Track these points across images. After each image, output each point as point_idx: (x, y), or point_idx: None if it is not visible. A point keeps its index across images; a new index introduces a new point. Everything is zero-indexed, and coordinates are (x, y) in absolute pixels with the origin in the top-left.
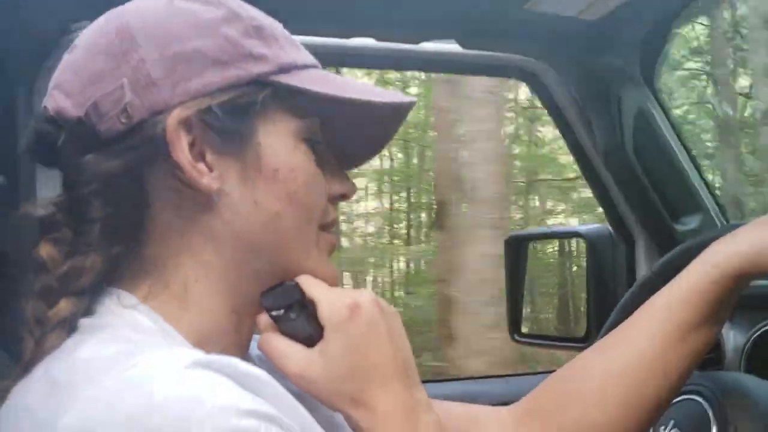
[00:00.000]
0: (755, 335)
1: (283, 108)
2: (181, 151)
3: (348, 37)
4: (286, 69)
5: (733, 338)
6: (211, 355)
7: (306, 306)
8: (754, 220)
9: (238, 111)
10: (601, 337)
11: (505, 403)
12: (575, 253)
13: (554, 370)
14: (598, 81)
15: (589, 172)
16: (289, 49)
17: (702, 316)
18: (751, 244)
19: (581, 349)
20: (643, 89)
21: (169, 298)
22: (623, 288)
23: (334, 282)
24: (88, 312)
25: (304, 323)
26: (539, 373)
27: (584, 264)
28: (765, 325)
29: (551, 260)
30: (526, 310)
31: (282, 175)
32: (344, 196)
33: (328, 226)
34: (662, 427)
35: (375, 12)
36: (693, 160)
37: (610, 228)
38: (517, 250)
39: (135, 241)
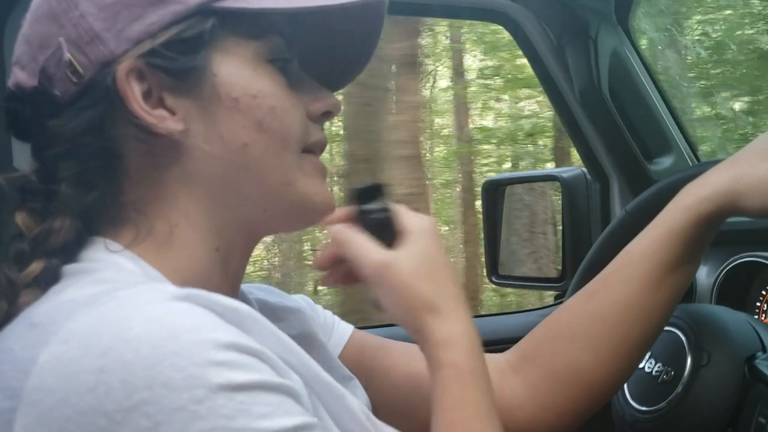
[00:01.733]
0: (725, 270)
1: (236, 33)
2: (135, 100)
3: None
4: None
5: (704, 272)
6: (192, 289)
7: (389, 210)
8: (726, 159)
9: (185, 47)
10: (578, 276)
11: (497, 342)
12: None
13: (538, 309)
14: (574, 23)
15: (565, 115)
16: None
17: (680, 257)
18: (723, 185)
19: (558, 288)
20: (617, 30)
21: (151, 243)
22: (598, 228)
23: (331, 207)
24: (73, 260)
25: (390, 223)
26: (526, 311)
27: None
28: (734, 260)
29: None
30: (503, 253)
31: (244, 104)
32: (328, 114)
33: (315, 148)
34: None
35: None
36: (666, 100)
37: (585, 171)
38: (493, 194)
39: (111, 191)
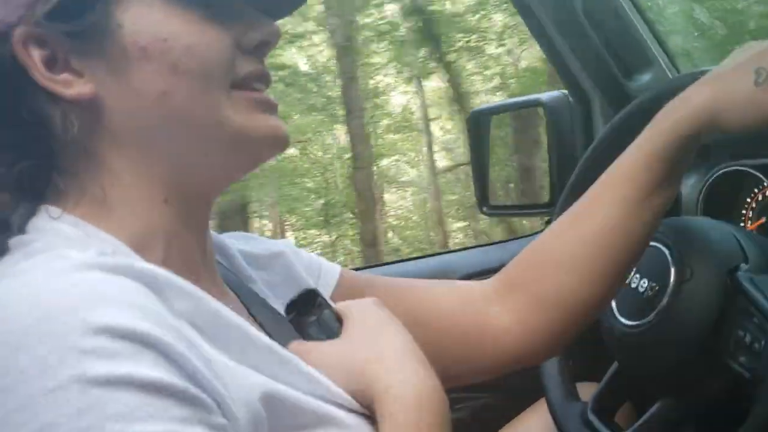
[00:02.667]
0: (710, 180)
1: None
2: (35, 68)
3: None
4: None
5: (689, 184)
6: (102, 258)
7: (327, 306)
8: (706, 74)
9: (82, 3)
10: (563, 198)
11: (484, 273)
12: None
13: (524, 236)
14: None
15: (543, 37)
16: None
17: (660, 179)
18: (702, 103)
19: (548, 213)
20: None
21: (92, 205)
22: (583, 150)
23: (279, 138)
24: (20, 231)
25: (331, 319)
26: (513, 239)
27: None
28: (718, 170)
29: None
30: (493, 182)
31: (154, 50)
32: (265, 44)
33: (247, 81)
34: None
35: None
36: (643, 14)
37: (567, 93)
38: (480, 124)
39: (42, 159)
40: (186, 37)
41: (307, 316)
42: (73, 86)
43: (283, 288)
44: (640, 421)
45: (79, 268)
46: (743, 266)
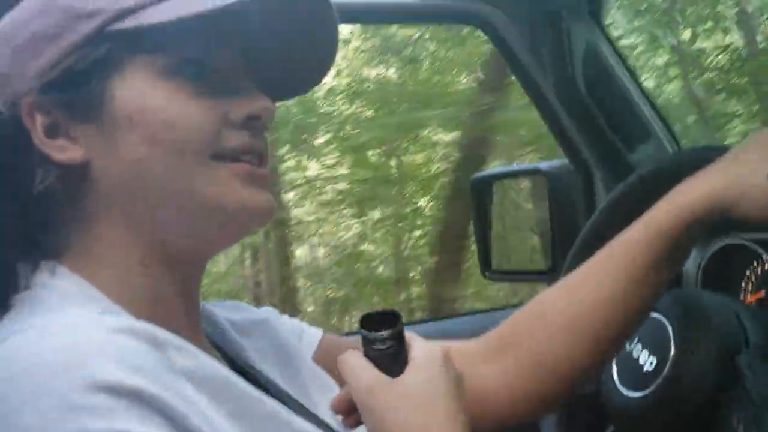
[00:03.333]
0: (710, 253)
1: (132, 53)
2: (35, 134)
3: None
4: (122, 14)
5: (691, 257)
6: (104, 316)
7: (402, 340)
8: (719, 160)
9: (81, 76)
10: (566, 267)
11: None
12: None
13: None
14: (546, 20)
15: (545, 111)
16: None
17: (665, 257)
18: (716, 190)
19: (549, 280)
20: (590, 24)
21: (84, 265)
22: (584, 219)
23: (260, 211)
24: (25, 288)
25: (395, 355)
26: (511, 307)
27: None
28: (719, 243)
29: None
30: (495, 247)
31: (138, 120)
32: (254, 118)
33: (234, 154)
34: (628, 343)
35: None
36: (642, 89)
37: (568, 163)
38: (482, 190)
39: (40, 221)
40: (168, 109)
41: (381, 337)
42: (66, 151)
43: (271, 353)
44: None
45: (82, 327)
46: (744, 350)
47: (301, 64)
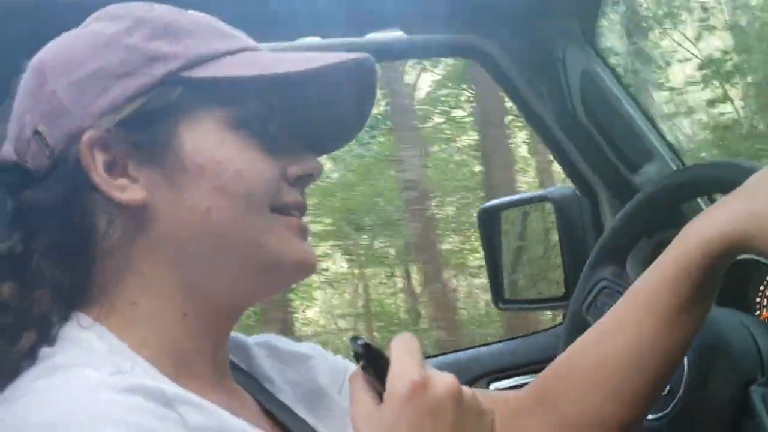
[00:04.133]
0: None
1: (204, 101)
2: (95, 170)
3: (293, 38)
4: (197, 61)
5: None
6: (115, 377)
7: (386, 363)
8: (738, 190)
9: (150, 117)
10: (577, 291)
11: (494, 372)
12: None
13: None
14: (542, 49)
15: (547, 138)
16: (208, 39)
17: (692, 298)
18: (735, 225)
19: (562, 306)
20: (585, 49)
21: (118, 316)
22: (593, 243)
23: (308, 265)
24: (50, 339)
25: (374, 379)
26: (536, 333)
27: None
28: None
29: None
30: (507, 277)
31: (208, 170)
32: (307, 177)
33: (287, 208)
34: None
35: (316, 9)
36: (642, 110)
37: (575, 188)
38: (490, 221)
39: (84, 263)
40: (238, 162)
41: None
42: (127, 191)
43: (304, 388)
44: None
45: (91, 390)
46: (760, 379)
47: (344, 125)
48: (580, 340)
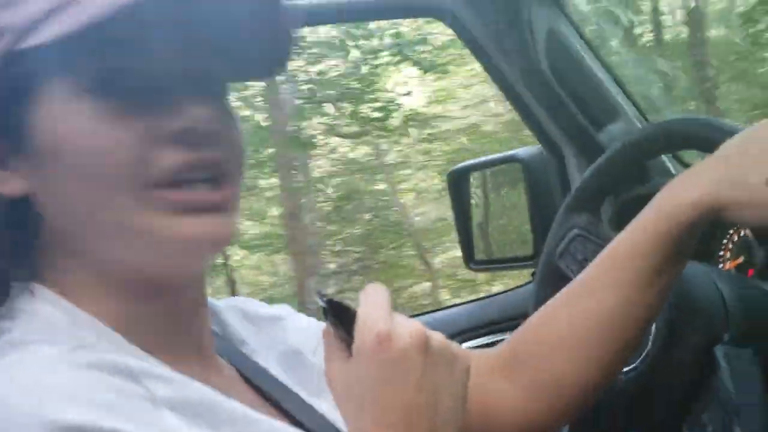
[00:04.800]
0: None
1: (46, 72)
2: None
3: None
4: (31, 27)
5: None
6: (73, 353)
7: (354, 317)
8: (714, 154)
9: (3, 102)
10: (545, 250)
11: (466, 331)
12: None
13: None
14: (508, 8)
15: (513, 97)
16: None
17: (665, 261)
18: (710, 193)
19: (532, 266)
20: (552, 8)
21: (82, 288)
22: (561, 201)
23: (208, 243)
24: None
25: (345, 334)
26: (504, 292)
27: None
28: None
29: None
30: (477, 238)
31: (60, 152)
32: (187, 132)
33: (176, 177)
34: None
35: None
36: (608, 69)
37: (542, 148)
38: (459, 183)
39: (23, 239)
40: (92, 135)
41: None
42: (8, 183)
43: (278, 350)
44: None
45: (48, 366)
46: (724, 337)
47: (243, 50)
48: (551, 302)
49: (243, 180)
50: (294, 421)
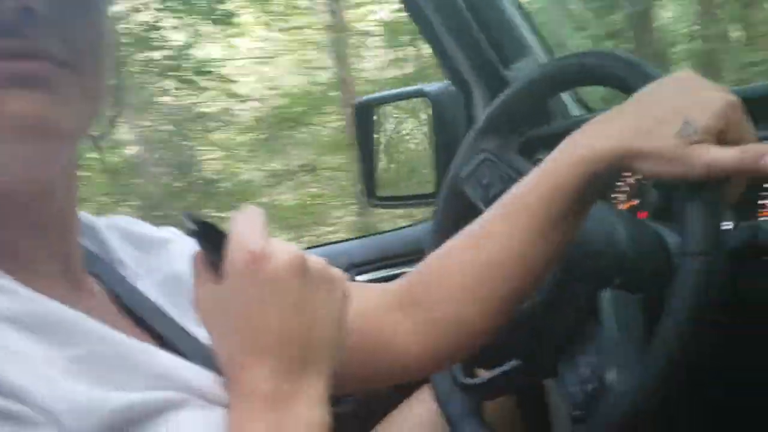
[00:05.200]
0: None
1: None
2: None
3: None
4: None
5: None
6: None
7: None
8: (623, 105)
9: None
10: (444, 186)
11: (362, 263)
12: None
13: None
14: None
15: (426, 29)
16: None
17: (567, 211)
18: (615, 145)
19: (433, 203)
20: None
21: None
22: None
23: (27, 124)
24: None
25: (217, 257)
26: (394, 230)
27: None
28: None
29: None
30: (380, 174)
31: None
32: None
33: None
34: None
35: None
36: (520, 6)
37: (450, 84)
38: (365, 114)
39: None
40: None
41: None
42: None
43: (162, 274)
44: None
45: None
46: (615, 280)
47: None
48: (450, 243)
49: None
50: (164, 344)
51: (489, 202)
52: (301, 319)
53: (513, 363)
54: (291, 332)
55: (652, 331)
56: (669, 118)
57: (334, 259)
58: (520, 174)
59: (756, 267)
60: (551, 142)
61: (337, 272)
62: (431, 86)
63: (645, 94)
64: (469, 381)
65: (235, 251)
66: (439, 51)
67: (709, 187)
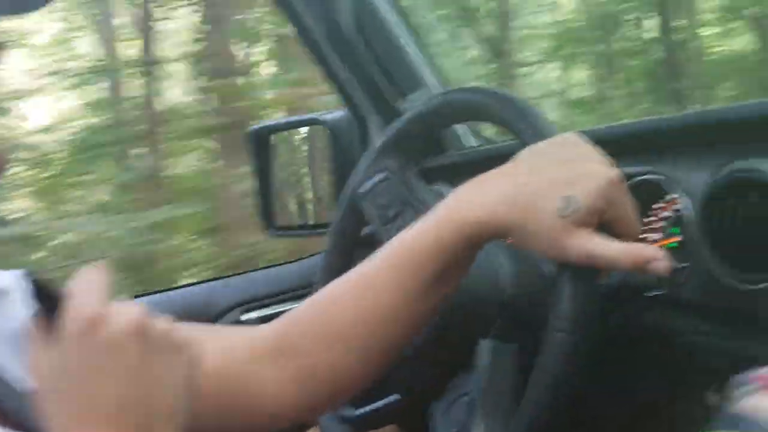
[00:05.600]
0: None
1: None
2: None
3: None
4: None
5: None
6: None
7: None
8: (503, 168)
9: None
10: (336, 221)
11: (248, 301)
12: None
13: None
14: None
15: (320, 59)
16: None
17: (445, 270)
18: (497, 213)
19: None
20: None
21: None
22: None
23: None
24: None
25: (53, 321)
26: (283, 263)
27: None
28: None
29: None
30: (279, 202)
31: None
32: None
33: None
34: None
35: None
36: (416, 38)
37: (348, 112)
38: (260, 143)
39: None
40: None
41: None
42: None
43: (5, 333)
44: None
45: None
46: (496, 323)
47: None
48: (334, 286)
49: None
50: (11, 423)
51: (386, 222)
52: (140, 387)
53: (394, 396)
54: (129, 400)
55: (527, 381)
56: (548, 193)
57: (219, 295)
58: (418, 199)
59: (634, 305)
60: (448, 173)
61: (182, 336)
62: (328, 113)
63: (525, 160)
64: (350, 414)
65: (71, 315)
66: (333, 79)
67: (584, 273)
